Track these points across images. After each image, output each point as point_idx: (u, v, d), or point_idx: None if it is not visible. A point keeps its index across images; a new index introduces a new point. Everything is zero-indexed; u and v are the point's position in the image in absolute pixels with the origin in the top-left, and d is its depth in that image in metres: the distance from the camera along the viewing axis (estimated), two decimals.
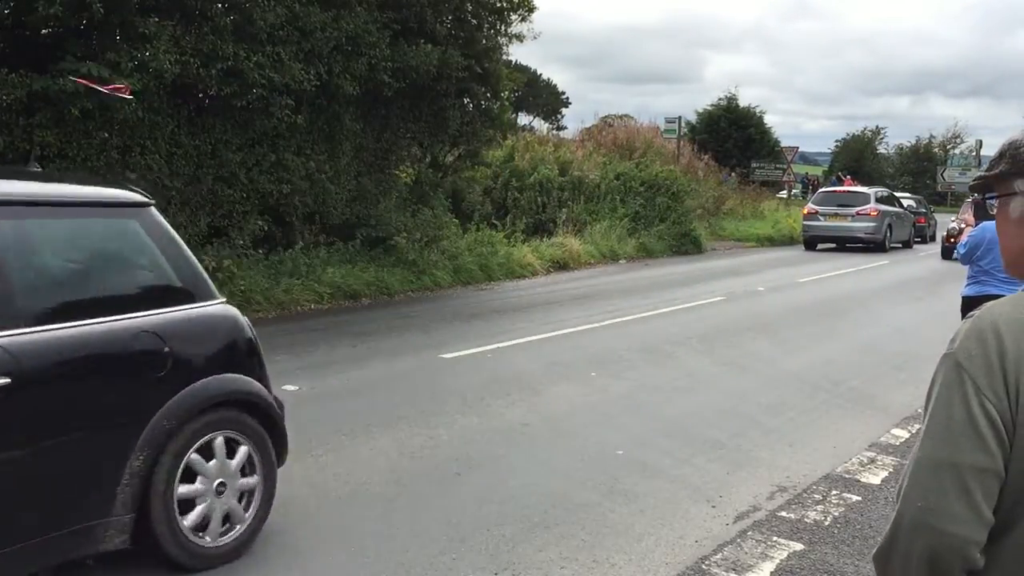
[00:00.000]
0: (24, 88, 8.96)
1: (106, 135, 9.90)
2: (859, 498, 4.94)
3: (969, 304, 6.49)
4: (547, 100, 61.08)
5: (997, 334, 1.31)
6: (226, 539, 3.89)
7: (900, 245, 23.44)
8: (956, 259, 7.95)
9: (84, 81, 8.42)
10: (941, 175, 53.80)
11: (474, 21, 14.24)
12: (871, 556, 1.43)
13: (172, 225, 4.07)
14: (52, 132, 9.33)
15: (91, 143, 9.73)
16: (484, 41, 14.42)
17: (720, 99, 41.30)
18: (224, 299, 4.12)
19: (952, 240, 16.06)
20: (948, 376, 1.34)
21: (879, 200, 22.76)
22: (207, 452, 3.82)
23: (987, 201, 1.51)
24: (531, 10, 14.71)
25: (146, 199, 3.98)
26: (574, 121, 64.57)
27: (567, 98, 64.63)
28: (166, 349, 3.66)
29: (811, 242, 22.69)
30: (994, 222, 1.49)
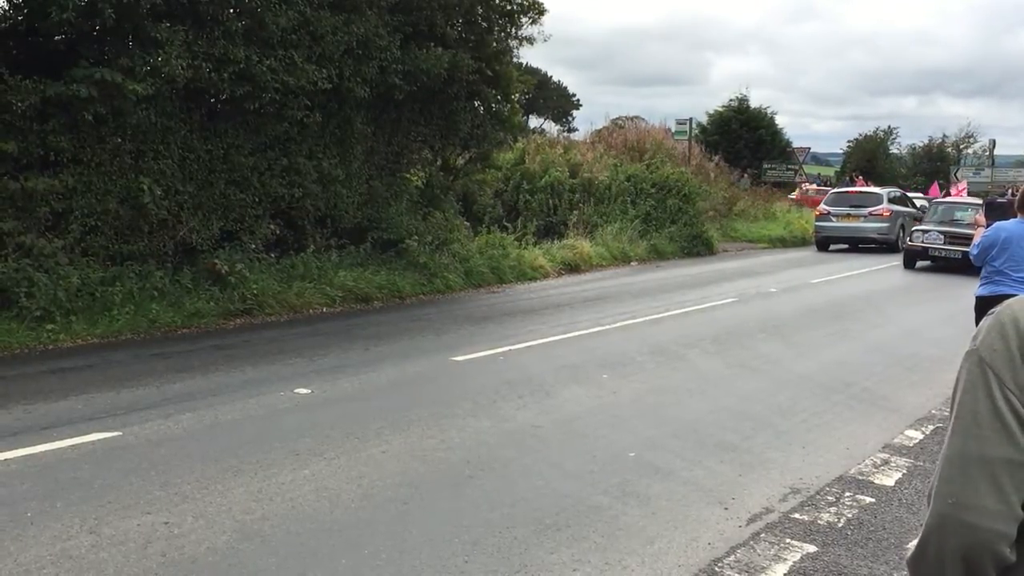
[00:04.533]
0: (38, 94, 9.04)
1: (119, 140, 9.96)
2: (872, 500, 4.92)
3: (983, 304, 6.45)
4: (557, 102, 61.17)
5: (1018, 329, 1.31)
6: None
7: None
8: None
9: None
10: (954, 175, 53.49)
11: (484, 24, 14.26)
12: (905, 562, 1.41)
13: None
14: (66, 137, 9.40)
15: (104, 148, 9.80)
16: (494, 44, 14.45)
17: (731, 100, 41.24)
18: None
19: None
20: (972, 372, 1.34)
21: (891, 200, 22.67)
22: None
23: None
24: (541, 13, 14.73)
25: None
26: (584, 123, 64.64)
27: (577, 100, 64.76)
28: None
29: (823, 243, 22.60)
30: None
